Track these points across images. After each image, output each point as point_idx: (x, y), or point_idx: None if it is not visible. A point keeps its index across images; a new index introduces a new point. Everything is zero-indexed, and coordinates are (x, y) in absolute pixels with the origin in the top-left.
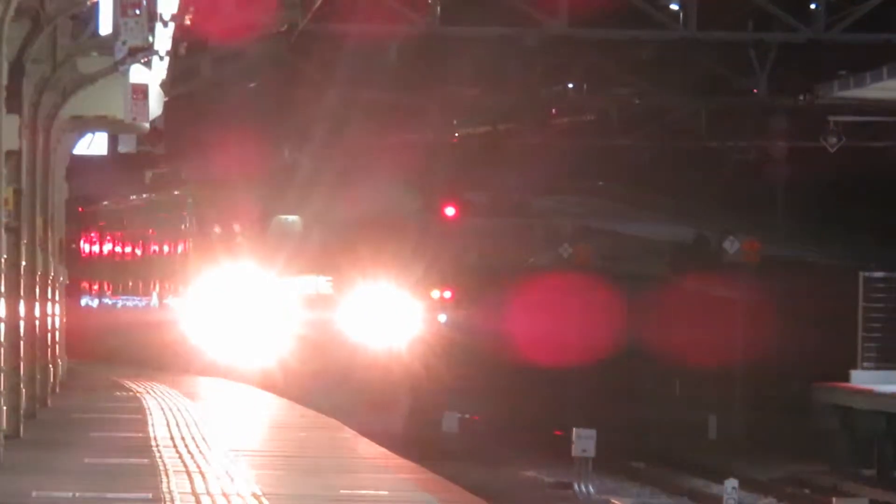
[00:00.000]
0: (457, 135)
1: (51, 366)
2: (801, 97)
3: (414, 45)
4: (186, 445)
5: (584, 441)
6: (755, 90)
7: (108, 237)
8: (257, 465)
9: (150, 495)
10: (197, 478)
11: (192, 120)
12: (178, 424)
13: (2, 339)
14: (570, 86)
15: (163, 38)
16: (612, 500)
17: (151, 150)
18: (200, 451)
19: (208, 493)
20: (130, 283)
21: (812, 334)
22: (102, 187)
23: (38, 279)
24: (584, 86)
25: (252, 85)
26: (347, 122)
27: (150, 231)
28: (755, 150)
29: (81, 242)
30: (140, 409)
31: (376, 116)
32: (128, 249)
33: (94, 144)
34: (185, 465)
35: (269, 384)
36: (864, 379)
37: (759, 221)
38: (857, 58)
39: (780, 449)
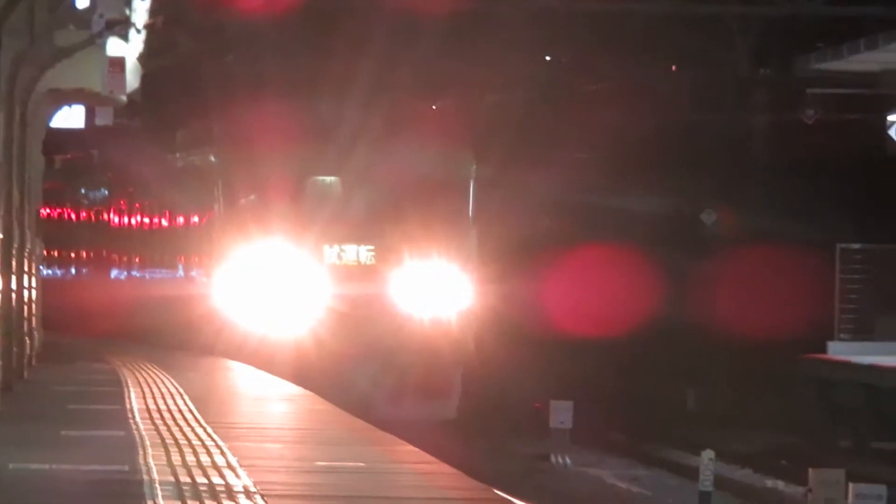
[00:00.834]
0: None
1: (27, 339)
2: (781, 71)
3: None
4: (163, 418)
5: (561, 413)
6: (737, 64)
7: (137, 206)
8: (234, 436)
9: (126, 467)
10: (173, 450)
11: (173, 95)
12: (154, 397)
13: None
14: (548, 58)
15: (140, 12)
16: (588, 471)
17: (129, 124)
18: (178, 424)
19: (184, 465)
20: (158, 255)
21: (791, 307)
22: (131, 153)
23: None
24: (568, 59)
25: (230, 57)
26: (392, 73)
27: (178, 199)
28: (736, 124)
29: (112, 213)
30: (118, 382)
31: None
32: (155, 220)
33: (70, 118)
34: (162, 438)
35: (302, 373)
36: (842, 350)
37: (739, 195)
38: (839, 31)
39: (760, 421)
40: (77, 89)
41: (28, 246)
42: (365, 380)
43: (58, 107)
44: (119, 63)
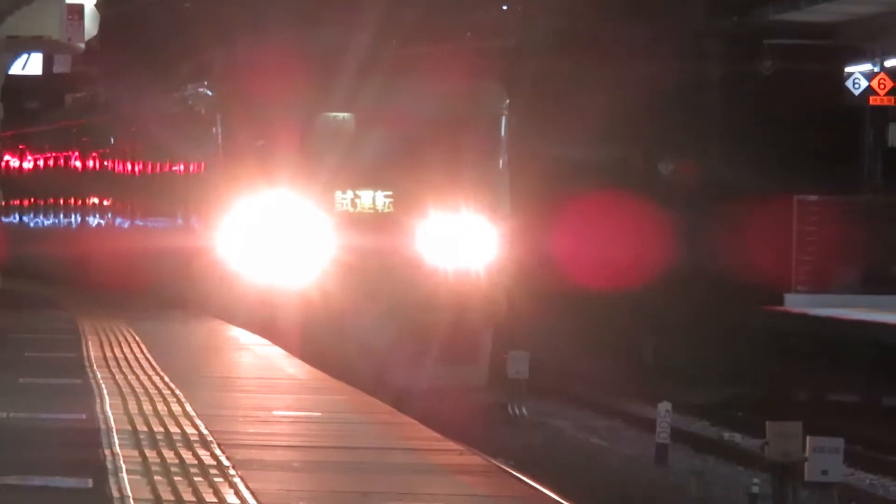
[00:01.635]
0: None
1: None
2: (738, 21)
3: None
4: (120, 367)
5: (517, 363)
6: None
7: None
8: (193, 385)
9: (84, 415)
10: (130, 399)
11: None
12: (111, 345)
13: None
14: (505, 7)
15: None
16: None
17: (87, 70)
18: (135, 373)
19: (141, 413)
20: (157, 203)
21: (748, 258)
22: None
23: None
24: (520, 8)
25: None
26: None
27: (176, 140)
28: (692, 74)
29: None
30: (76, 330)
31: None
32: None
33: (29, 66)
34: (120, 387)
35: (310, 338)
36: (799, 302)
37: (695, 145)
38: None
39: (716, 373)
40: (35, 37)
41: None
42: (383, 342)
43: (16, 55)
44: (77, 10)
